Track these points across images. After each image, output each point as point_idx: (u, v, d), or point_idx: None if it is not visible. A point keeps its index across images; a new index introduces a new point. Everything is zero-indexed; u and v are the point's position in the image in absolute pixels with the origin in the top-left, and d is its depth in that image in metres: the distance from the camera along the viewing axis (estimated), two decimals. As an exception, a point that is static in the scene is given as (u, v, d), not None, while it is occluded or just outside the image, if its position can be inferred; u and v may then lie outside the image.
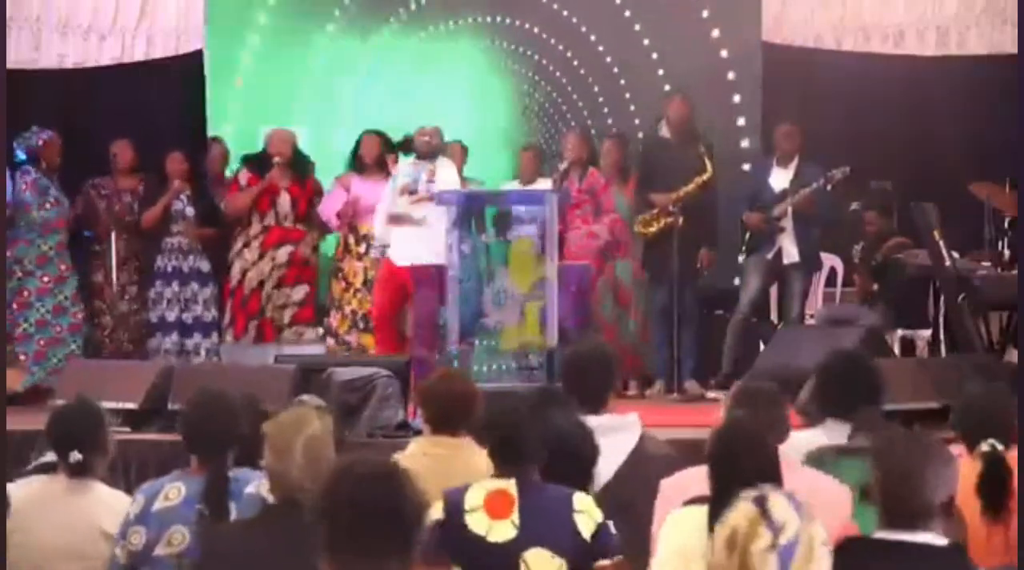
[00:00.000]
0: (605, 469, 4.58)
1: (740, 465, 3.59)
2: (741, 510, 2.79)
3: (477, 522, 3.89)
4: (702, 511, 3.66)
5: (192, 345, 9.18)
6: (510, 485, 3.94)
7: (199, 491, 4.14)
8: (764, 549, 2.73)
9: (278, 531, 3.52)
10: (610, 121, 10.35)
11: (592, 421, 4.69)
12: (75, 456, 4.32)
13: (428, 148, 8.63)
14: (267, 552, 3.50)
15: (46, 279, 8.95)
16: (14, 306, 8.88)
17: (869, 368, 4.94)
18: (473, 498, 3.92)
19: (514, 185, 9.42)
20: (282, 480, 3.57)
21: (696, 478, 3.88)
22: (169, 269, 9.22)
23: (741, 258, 9.21)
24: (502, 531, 3.86)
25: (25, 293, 8.92)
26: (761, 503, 2.79)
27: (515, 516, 3.88)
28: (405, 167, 8.71)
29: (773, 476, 3.56)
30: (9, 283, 8.82)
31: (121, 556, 4.18)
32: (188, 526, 4.10)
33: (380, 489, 2.70)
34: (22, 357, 8.88)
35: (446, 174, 8.57)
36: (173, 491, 4.19)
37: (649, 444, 4.84)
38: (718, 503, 3.57)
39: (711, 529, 3.54)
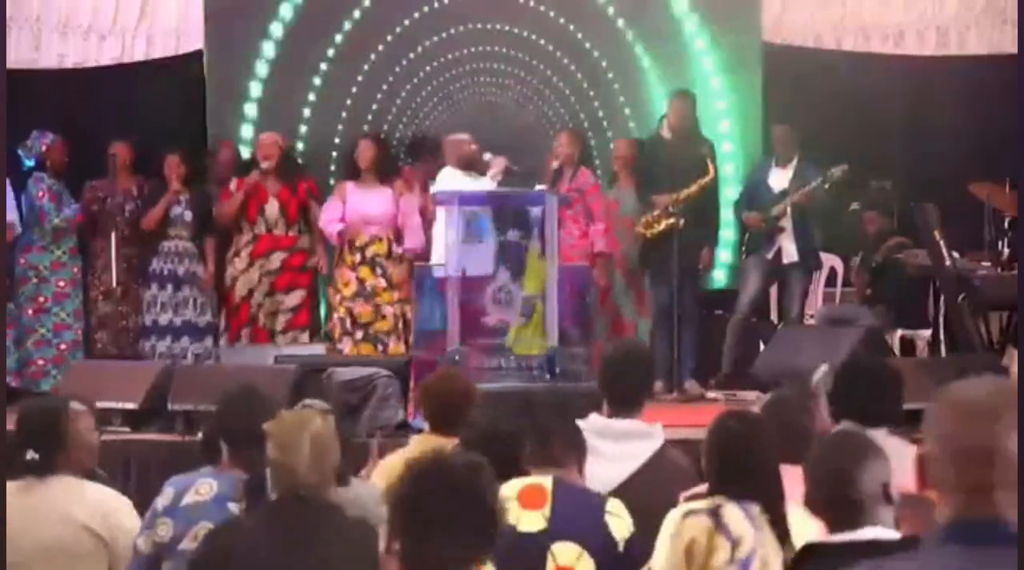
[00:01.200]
0: (616, 474, 4.57)
1: (736, 464, 3.59)
2: (696, 523, 2.81)
3: (508, 512, 3.88)
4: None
5: (180, 349, 9.15)
6: (546, 481, 3.97)
7: (231, 488, 4.12)
8: (723, 563, 2.76)
9: (284, 525, 3.53)
10: (605, 124, 10.35)
11: (616, 425, 4.68)
12: (30, 455, 4.30)
13: (476, 158, 8.60)
14: (273, 546, 3.50)
15: (62, 284, 9.02)
16: (30, 312, 8.93)
17: (882, 372, 4.91)
18: (508, 489, 3.90)
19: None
20: (288, 476, 3.57)
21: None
22: (165, 272, 9.20)
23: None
24: (532, 521, 3.88)
25: (41, 299, 8.98)
26: (715, 515, 2.81)
27: (547, 509, 3.90)
28: (454, 180, 8.62)
29: (771, 476, 3.56)
30: (25, 289, 8.91)
31: (145, 546, 4.16)
32: (216, 523, 4.08)
33: (467, 483, 2.70)
34: (40, 362, 8.93)
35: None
36: (204, 487, 4.19)
37: (668, 456, 4.77)
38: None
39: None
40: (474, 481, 2.74)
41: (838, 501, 3.15)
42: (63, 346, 8.97)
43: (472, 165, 8.71)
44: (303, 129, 10.38)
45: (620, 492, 4.44)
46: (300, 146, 9.71)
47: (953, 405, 2.06)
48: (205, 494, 4.17)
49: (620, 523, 3.92)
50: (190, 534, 4.10)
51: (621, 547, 3.88)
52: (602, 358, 5.13)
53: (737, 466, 3.59)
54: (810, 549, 3.12)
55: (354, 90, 10.55)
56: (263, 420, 4.18)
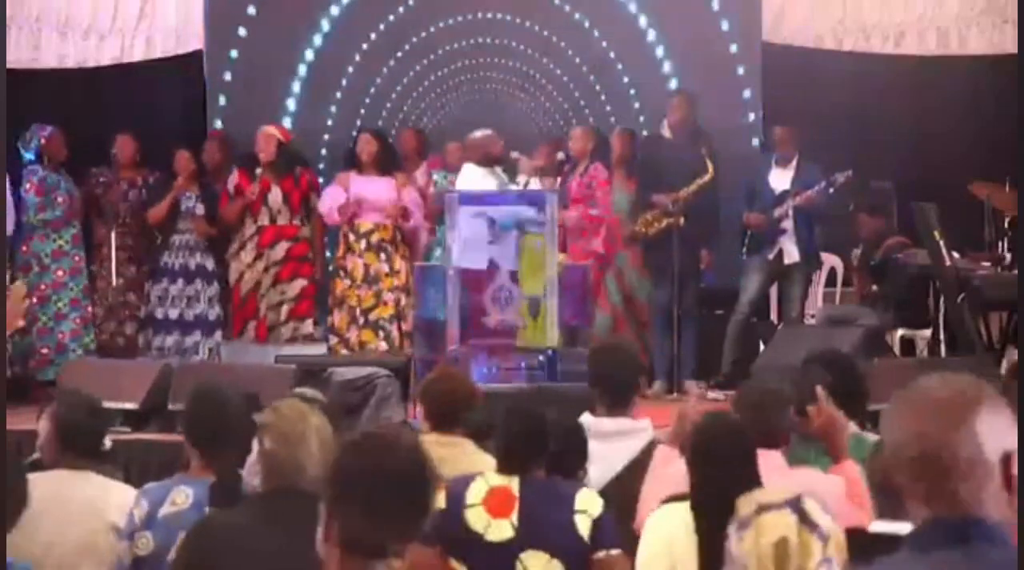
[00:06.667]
0: (604, 473, 4.56)
1: (720, 461, 3.57)
2: (780, 520, 2.73)
3: (476, 518, 3.87)
4: (685, 507, 3.63)
5: (191, 343, 9.18)
6: (513, 483, 3.92)
7: (207, 494, 4.07)
8: (820, 561, 2.70)
9: (286, 517, 3.51)
10: (613, 119, 10.34)
11: (604, 425, 4.67)
12: (108, 443, 4.34)
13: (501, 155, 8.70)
14: (272, 539, 3.48)
15: (60, 273, 9.05)
16: (33, 300, 8.96)
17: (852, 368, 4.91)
18: (475, 493, 3.90)
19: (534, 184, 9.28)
20: (288, 468, 3.53)
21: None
22: (176, 266, 9.24)
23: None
24: (500, 530, 3.85)
25: (43, 287, 9.02)
26: (798, 510, 2.74)
27: (514, 516, 3.87)
28: (476, 178, 8.71)
29: (752, 472, 3.54)
30: (27, 277, 8.94)
31: (126, 558, 4.12)
32: None
33: (400, 459, 2.65)
34: (44, 351, 8.96)
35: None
36: (180, 496, 4.12)
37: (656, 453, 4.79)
38: (700, 499, 3.55)
39: (698, 526, 3.52)
40: (410, 455, 2.69)
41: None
42: (62, 334, 9.00)
43: (497, 162, 8.70)
44: (292, 123, 10.38)
45: (608, 489, 4.44)
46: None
47: (911, 407, 2.04)
48: (182, 503, 4.09)
49: (586, 518, 3.88)
50: (174, 545, 3.98)
51: (588, 540, 3.86)
52: (589, 356, 5.14)
53: (722, 464, 3.56)
54: (848, 534, 3.09)
55: (345, 83, 10.55)
56: (231, 422, 4.17)
